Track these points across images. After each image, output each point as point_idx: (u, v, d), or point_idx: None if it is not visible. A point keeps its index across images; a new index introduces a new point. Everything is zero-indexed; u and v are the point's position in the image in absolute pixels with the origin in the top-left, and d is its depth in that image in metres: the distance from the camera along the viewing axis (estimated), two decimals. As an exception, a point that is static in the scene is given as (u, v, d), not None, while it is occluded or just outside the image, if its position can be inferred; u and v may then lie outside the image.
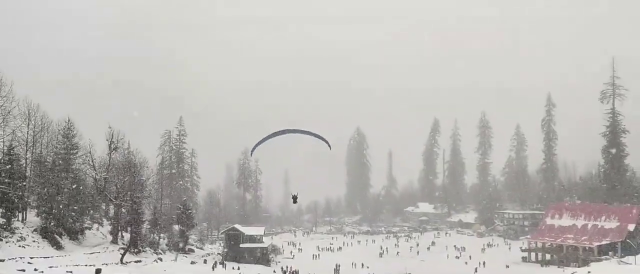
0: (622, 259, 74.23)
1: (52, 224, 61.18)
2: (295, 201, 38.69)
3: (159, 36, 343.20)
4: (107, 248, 66.32)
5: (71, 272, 48.63)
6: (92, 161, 73.92)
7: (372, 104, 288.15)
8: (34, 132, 67.66)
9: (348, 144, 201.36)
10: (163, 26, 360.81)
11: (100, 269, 50.75)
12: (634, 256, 71.06)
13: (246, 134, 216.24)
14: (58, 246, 60.09)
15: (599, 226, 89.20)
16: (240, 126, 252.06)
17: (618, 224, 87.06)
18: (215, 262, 77.73)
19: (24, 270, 45.88)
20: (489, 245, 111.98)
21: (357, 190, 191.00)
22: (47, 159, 68.05)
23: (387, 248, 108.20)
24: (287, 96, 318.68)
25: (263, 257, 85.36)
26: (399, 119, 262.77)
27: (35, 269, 46.72)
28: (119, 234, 72.56)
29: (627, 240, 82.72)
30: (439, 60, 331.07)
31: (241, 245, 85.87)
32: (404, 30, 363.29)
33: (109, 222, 76.09)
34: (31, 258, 51.06)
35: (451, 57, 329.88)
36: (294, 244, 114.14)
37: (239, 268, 70.76)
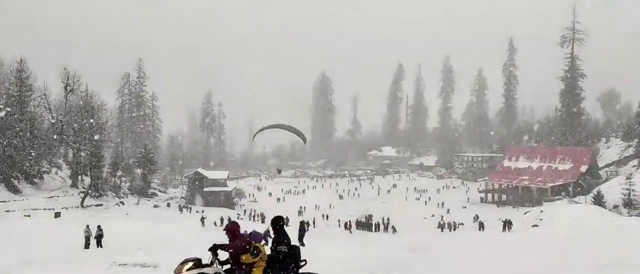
0: (574, 199, 77.66)
1: (7, 168, 59.51)
2: (279, 173, 40.34)
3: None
4: (67, 191, 65.34)
5: (29, 216, 47.91)
6: (48, 103, 71.70)
7: (337, 49, 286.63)
8: (-17, 73, 64.74)
9: (313, 88, 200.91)
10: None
11: (60, 213, 50.27)
12: (584, 196, 74.46)
13: (210, 76, 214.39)
14: (15, 190, 58.82)
15: (554, 168, 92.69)
16: (203, 68, 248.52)
17: (572, 166, 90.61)
18: (180, 205, 77.87)
19: (-21, 214, 44.97)
20: (448, 187, 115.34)
21: (322, 134, 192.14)
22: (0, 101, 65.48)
23: (349, 191, 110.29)
24: (254, 34, 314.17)
25: (227, 200, 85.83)
26: (364, 64, 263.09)
27: (-9, 213, 45.82)
28: (79, 178, 71.40)
29: (579, 181, 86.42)
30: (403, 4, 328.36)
31: (204, 189, 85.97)
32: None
33: (68, 166, 74.64)
34: (-13, 202, 49.95)
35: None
36: (258, 188, 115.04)
37: (203, 211, 71.00)
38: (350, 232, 54.24)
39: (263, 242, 10.40)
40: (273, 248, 9.80)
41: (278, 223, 10.03)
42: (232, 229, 9.88)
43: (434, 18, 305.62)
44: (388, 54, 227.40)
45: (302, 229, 30.99)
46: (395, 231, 56.93)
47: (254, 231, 10.30)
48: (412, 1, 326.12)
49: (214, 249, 9.64)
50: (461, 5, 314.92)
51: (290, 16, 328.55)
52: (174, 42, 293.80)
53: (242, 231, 10.06)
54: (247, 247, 9.53)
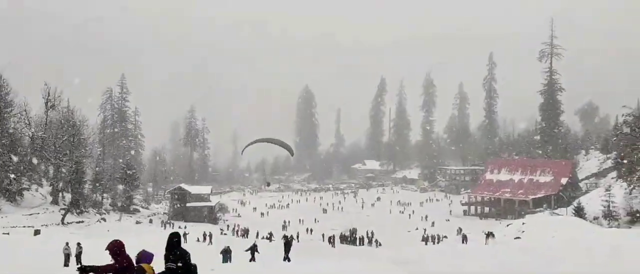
0: (555, 211, 78.54)
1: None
2: (268, 185, 40.90)
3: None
4: (47, 208, 64.38)
5: (8, 233, 47.03)
6: (28, 120, 70.83)
7: (320, 62, 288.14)
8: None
9: (297, 102, 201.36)
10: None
11: (40, 230, 49.51)
12: (565, 208, 75.31)
13: (192, 91, 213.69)
14: (-6, 208, 57.89)
15: (535, 180, 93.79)
16: (186, 83, 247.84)
17: (552, 178, 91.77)
18: (163, 221, 77.14)
19: (-44, 233, 44.08)
20: (431, 200, 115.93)
21: (306, 148, 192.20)
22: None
23: (333, 204, 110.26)
24: (237, 48, 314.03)
25: (210, 216, 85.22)
26: (347, 77, 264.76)
27: (-31, 232, 44.95)
28: (60, 194, 70.45)
29: (560, 193, 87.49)
30: (384, 17, 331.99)
31: (187, 204, 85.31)
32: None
33: (49, 182, 73.60)
34: (-36, 220, 48.99)
35: (396, 15, 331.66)
36: (242, 203, 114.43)
37: (185, 227, 70.40)
38: (333, 246, 54.09)
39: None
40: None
41: (172, 238, 9.31)
42: (114, 247, 8.74)
43: (415, 32, 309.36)
44: (371, 68, 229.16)
45: (288, 244, 30.94)
46: (380, 245, 57.01)
47: (144, 250, 9.16)
48: (394, 16, 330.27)
49: (83, 271, 8.41)
50: (442, 20, 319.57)
51: (272, 31, 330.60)
52: (157, 56, 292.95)
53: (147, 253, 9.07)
54: (128, 267, 8.51)
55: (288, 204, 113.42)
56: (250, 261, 29.02)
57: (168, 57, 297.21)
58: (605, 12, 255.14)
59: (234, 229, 73.45)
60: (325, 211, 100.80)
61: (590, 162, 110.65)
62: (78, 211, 67.17)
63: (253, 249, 30.04)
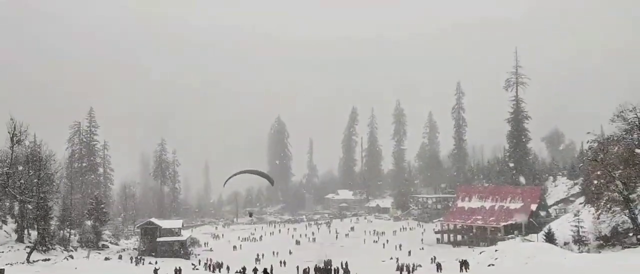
0: (526, 237, 79.48)
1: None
2: (251, 216, 40.61)
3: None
4: (12, 247, 62.41)
5: (-30, 274, 45.28)
6: (-8, 155, 68.95)
7: (291, 92, 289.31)
8: None
9: (268, 133, 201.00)
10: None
11: (4, 270, 47.77)
12: (536, 234, 76.34)
13: (163, 124, 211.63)
14: (-45, 248, 55.75)
15: (505, 207, 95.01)
16: (156, 115, 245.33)
17: (522, 204, 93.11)
18: (133, 257, 75.29)
19: None
20: (404, 229, 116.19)
21: (279, 179, 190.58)
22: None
23: (306, 235, 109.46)
24: (207, 79, 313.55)
25: (181, 250, 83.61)
26: (319, 108, 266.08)
27: None
28: (25, 232, 68.34)
29: (531, 219, 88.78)
30: (354, 51, 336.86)
31: (158, 239, 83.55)
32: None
33: (14, 219, 71.34)
34: None
35: (365, 46, 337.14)
36: (215, 236, 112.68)
37: (156, 262, 68.84)
38: None
39: None
40: None
41: None
42: None
43: (385, 61, 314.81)
44: (342, 97, 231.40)
45: None
46: (355, 276, 56.61)
47: None
48: (363, 46, 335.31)
49: None
50: (410, 48, 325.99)
51: (243, 61, 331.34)
52: (126, 88, 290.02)
53: None
54: None
55: (261, 236, 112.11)
56: None
57: (138, 89, 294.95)
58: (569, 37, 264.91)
59: (206, 263, 72.09)
60: (298, 242, 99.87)
61: (558, 189, 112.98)
62: (44, 248, 65.10)
63: None
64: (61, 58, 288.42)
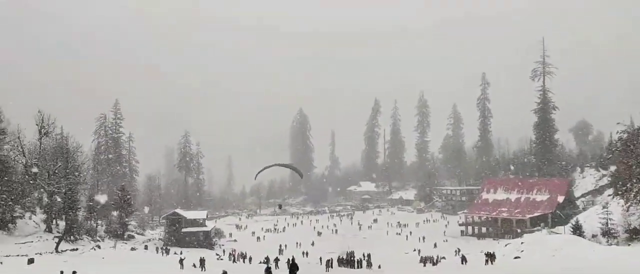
0: (552, 229, 78.26)
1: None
2: (280, 208, 40.39)
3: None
4: (41, 237, 63.59)
5: (1, 263, 46.32)
6: (22, 147, 70.28)
7: (314, 86, 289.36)
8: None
9: (291, 125, 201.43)
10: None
11: (33, 259, 48.78)
12: (562, 226, 75.10)
13: (187, 115, 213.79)
14: (-14, 237, 57.07)
15: (531, 199, 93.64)
16: (180, 107, 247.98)
17: (549, 196, 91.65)
18: (159, 248, 76.23)
19: (-52, 263, 43.31)
20: (427, 221, 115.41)
21: (301, 170, 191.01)
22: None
23: (329, 227, 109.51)
24: (231, 72, 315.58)
25: (206, 241, 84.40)
26: (341, 100, 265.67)
27: (-39, 262, 44.22)
28: (54, 222, 69.67)
29: (557, 211, 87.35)
30: (369, 41, 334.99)
31: (183, 230, 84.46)
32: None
33: (43, 210, 72.78)
34: (-44, 250, 48.21)
35: (388, 36, 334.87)
36: (238, 227, 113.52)
37: (181, 252, 69.59)
38: (327, 271, 52.67)
39: None
40: None
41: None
42: None
43: (408, 54, 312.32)
44: (365, 90, 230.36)
45: (294, 266, 29.76)
46: (379, 267, 56.35)
47: None
48: (387, 38, 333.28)
49: None
50: (433, 40, 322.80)
51: (266, 53, 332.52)
52: (151, 81, 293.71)
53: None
54: None
55: (284, 227, 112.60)
56: None
57: (162, 81, 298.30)
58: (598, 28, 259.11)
59: (230, 254, 72.62)
60: (320, 234, 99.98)
61: (586, 180, 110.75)
62: (72, 238, 66.28)
63: (269, 271, 29.15)
64: (61, 58, 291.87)
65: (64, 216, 68.32)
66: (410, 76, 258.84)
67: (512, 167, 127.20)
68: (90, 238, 72.04)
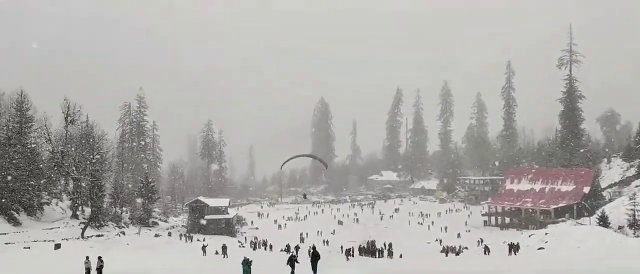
0: (578, 221, 77.04)
1: (6, 200, 59.03)
2: (305, 197, 40.67)
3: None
4: (67, 223, 64.89)
5: (29, 248, 47.40)
6: (48, 135, 71.56)
7: (335, 72, 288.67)
8: (-16, 105, 64.92)
9: (313, 114, 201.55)
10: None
11: (60, 244, 49.78)
12: (588, 217, 73.84)
13: (210, 104, 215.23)
14: (15, 222, 58.37)
15: (556, 190, 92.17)
16: (203, 96, 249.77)
17: (574, 187, 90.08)
18: (182, 234, 77.18)
19: (-22, 247, 44.44)
20: (450, 211, 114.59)
21: (322, 159, 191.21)
22: (0, 134, 65.53)
23: (350, 216, 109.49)
24: (253, 62, 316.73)
25: (228, 228, 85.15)
26: (363, 89, 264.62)
27: (-9, 246, 45.33)
28: (79, 208, 70.99)
29: (582, 202, 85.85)
30: (402, 30, 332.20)
31: (206, 217, 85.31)
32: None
33: (69, 197, 74.21)
34: (-14, 235, 49.46)
35: (414, 25, 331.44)
36: (260, 215, 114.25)
37: (204, 239, 70.33)
38: (347, 259, 52.48)
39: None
40: None
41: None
42: None
43: (431, 42, 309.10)
44: (387, 78, 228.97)
45: (316, 256, 29.59)
46: (400, 257, 56.14)
47: None
48: (410, 27, 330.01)
49: None
50: (457, 28, 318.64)
51: (289, 42, 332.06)
52: (173, 70, 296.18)
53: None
54: None
55: (305, 216, 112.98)
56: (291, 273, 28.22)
57: (185, 71, 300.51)
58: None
59: (252, 241, 73.18)
60: (341, 222, 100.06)
61: (612, 171, 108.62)
62: (97, 224, 67.50)
63: (292, 260, 29.03)
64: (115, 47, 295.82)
65: (89, 203, 69.53)
66: (433, 62, 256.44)
67: (532, 161, 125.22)
68: (115, 225, 73.26)
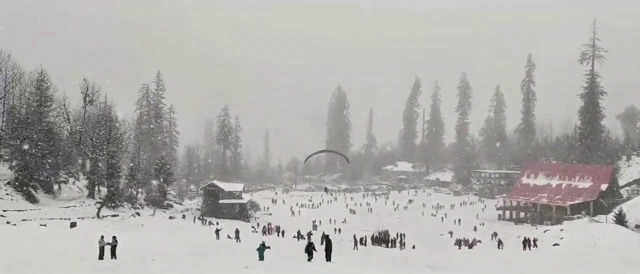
0: (594, 218, 76.00)
1: (24, 178, 59.84)
2: (326, 191, 40.81)
3: None
4: (84, 202, 65.58)
5: (45, 225, 48.05)
6: (67, 114, 72.29)
7: (352, 62, 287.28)
8: (5, 83, 65.68)
9: (329, 102, 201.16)
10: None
11: (76, 223, 50.38)
12: (604, 215, 72.81)
13: (226, 90, 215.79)
14: (32, 200, 59.11)
15: (573, 186, 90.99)
16: (221, 82, 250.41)
17: (591, 184, 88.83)
18: (196, 217, 77.76)
19: (-4, 223, 45.15)
20: (464, 203, 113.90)
21: (337, 148, 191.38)
22: (21, 111, 66.36)
23: (363, 205, 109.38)
24: (272, 48, 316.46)
25: (242, 213, 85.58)
26: (380, 79, 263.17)
27: (8, 222, 46.04)
28: (96, 188, 71.74)
29: (600, 199, 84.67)
30: (421, 21, 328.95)
31: (220, 201, 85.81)
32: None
33: (86, 176, 75.03)
34: (4, 210, 50.16)
35: (431, 18, 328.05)
36: (274, 201, 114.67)
37: (217, 223, 70.77)
38: (357, 248, 52.24)
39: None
40: None
41: None
42: None
43: (451, 35, 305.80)
44: (405, 69, 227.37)
45: (329, 244, 29.41)
46: (413, 247, 55.95)
47: None
48: (430, 17, 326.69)
49: None
50: (478, 21, 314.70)
51: (307, 31, 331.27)
52: (192, 55, 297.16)
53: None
54: None
55: (319, 203, 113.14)
56: (308, 260, 27.58)
57: (203, 56, 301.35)
58: None
59: (265, 227, 73.47)
60: (354, 211, 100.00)
61: (632, 168, 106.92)
62: (113, 205, 68.16)
63: (310, 248, 28.42)
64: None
65: (105, 183, 70.21)
66: (451, 54, 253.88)
67: (550, 157, 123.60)
68: (130, 205, 73.90)
